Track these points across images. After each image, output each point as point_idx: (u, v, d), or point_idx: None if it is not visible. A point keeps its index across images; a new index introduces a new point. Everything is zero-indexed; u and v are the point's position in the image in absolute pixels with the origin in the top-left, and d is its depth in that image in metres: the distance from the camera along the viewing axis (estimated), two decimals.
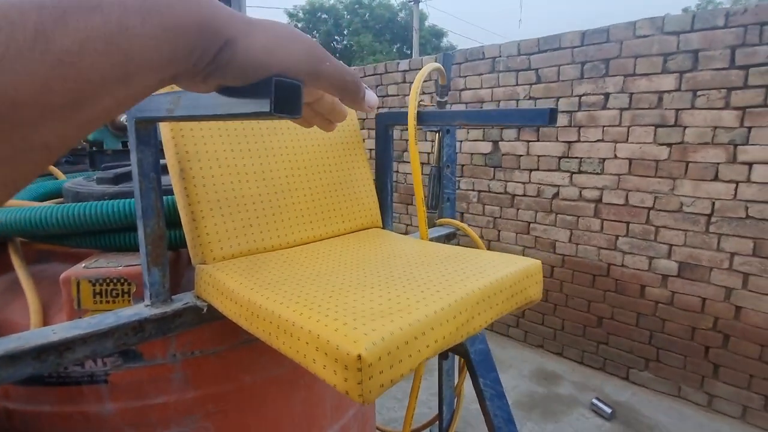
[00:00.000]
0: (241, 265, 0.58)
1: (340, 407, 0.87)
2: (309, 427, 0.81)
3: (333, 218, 0.74)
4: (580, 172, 2.41)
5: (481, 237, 2.91)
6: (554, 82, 2.43)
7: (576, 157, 2.41)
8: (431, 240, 0.94)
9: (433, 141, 3.00)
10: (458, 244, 1.09)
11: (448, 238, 1.06)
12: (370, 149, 3.56)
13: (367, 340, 0.37)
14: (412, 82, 2.83)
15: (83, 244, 0.70)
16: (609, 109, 2.25)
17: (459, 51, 2.88)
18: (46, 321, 0.65)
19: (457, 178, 2.96)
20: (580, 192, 2.42)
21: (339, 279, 0.53)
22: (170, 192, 0.63)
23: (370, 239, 0.72)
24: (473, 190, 2.90)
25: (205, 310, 0.59)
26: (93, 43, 0.18)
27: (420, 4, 11.96)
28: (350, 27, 17.42)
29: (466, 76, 2.80)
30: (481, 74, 2.72)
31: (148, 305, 0.58)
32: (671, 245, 2.15)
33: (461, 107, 2.86)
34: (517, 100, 2.59)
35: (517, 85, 2.58)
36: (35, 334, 0.51)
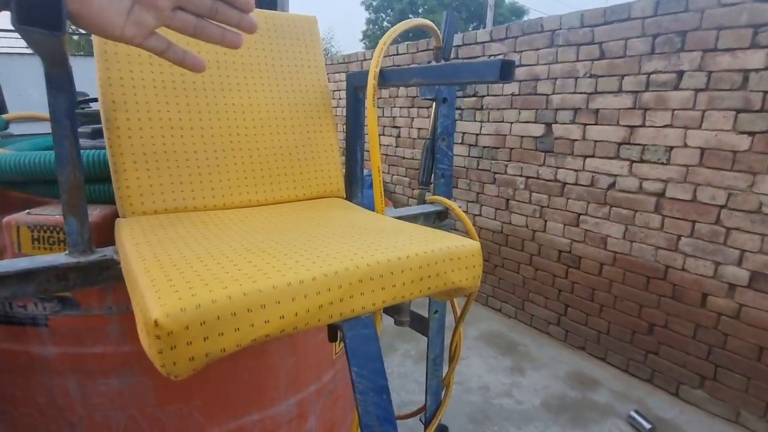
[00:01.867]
0: (152, 221, 0.56)
1: (296, 380, 0.84)
2: (258, 397, 0.79)
3: (282, 183, 0.69)
4: (642, 161, 2.14)
5: (526, 226, 2.72)
6: (620, 57, 2.15)
7: (638, 144, 2.14)
8: (410, 217, 0.86)
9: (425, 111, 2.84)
10: (453, 228, 1.00)
11: (439, 218, 0.97)
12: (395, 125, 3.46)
13: (175, 306, 0.32)
14: (467, 58, 2.66)
15: (43, 193, 0.72)
16: (682, 89, 1.96)
17: (516, 23, 2.65)
18: None
19: (505, 163, 2.78)
20: (641, 184, 2.15)
21: (234, 242, 0.48)
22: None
23: (317, 208, 0.67)
24: (521, 175, 2.70)
25: (120, 264, 0.58)
26: None
27: None
28: (426, 5, 17.00)
29: (521, 51, 2.59)
30: (538, 49, 2.49)
31: (66, 254, 0.58)
32: (743, 251, 1.85)
33: (514, 86, 2.66)
34: (576, 78, 2.34)
35: (577, 60, 2.33)
36: None
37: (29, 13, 0.27)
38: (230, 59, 0.69)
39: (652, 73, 2.04)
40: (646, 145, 2.11)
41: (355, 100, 0.75)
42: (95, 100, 2.62)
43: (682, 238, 2.04)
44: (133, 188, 0.58)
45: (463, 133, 3.04)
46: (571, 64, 2.35)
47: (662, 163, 2.06)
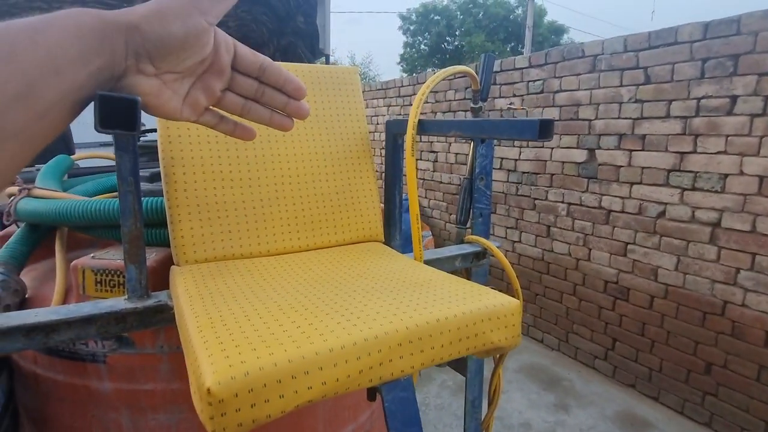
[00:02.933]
0: (203, 270, 0.59)
1: (335, 420, 0.85)
2: None
3: (323, 228, 0.72)
4: (694, 189, 2.04)
5: (568, 254, 2.63)
6: (667, 82, 2.08)
7: (690, 171, 2.04)
8: (448, 258, 0.86)
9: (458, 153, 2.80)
10: (489, 271, 0.98)
11: (477, 258, 0.97)
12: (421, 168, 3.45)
13: (226, 374, 0.34)
14: (505, 84, 2.65)
15: (106, 236, 0.78)
16: (736, 114, 1.86)
17: (555, 49, 2.63)
18: (65, 301, 0.73)
19: (545, 189, 2.72)
20: (693, 213, 2.05)
21: (279, 297, 0.50)
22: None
23: (357, 254, 0.69)
24: (562, 202, 2.64)
25: (173, 309, 0.61)
26: (21, 46, 0.23)
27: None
28: (462, 27, 17.16)
29: (561, 77, 2.55)
30: (579, 74, 2.45)
31: (125, 299, 0.62)
32: None
33: (555, 111, 2.62)
34: (621, 103, 2.28)
35: (620, 86, 2.27)
36: (20, 316, 0.57)
37: (110, 119, 0.30)
38: None
39: (703, 98, 1.96)
40: (698, 172, 2.01)
41: (393, 146, 0.77)
42: (153, 130, 2.80)
43: (741, 271, 1.90)
44: (187, 238, 0.62)
45: (502, 158, 3.01)
46: (615, 89, 2.30)
47: (716, 192, 1.95)
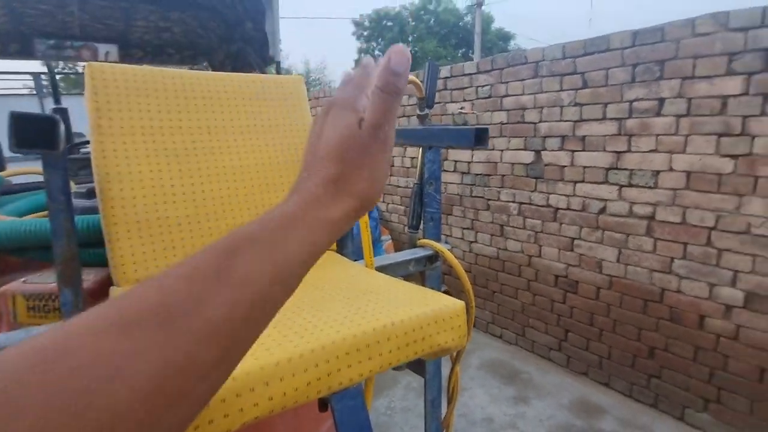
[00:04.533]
0: None
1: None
2: None
3: None
4: (630, 185, 2.17)
5: (522, 252, 2.74)
6: (602, 86, 2.22)
7: (626, 169, 2.18)
8: (401, 263, 0.88)
9: (413, 158, 2.87)
10: (445, 274, 1.01)
11: (429, 261, 0.99)
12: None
13: None
14: (456, 89, 2.72)
15: (38, 257, 0.73)
16: (664, 115, 2.01)
17: (500, 55, 2.74)
18: None
19: (498, 189, 2.82)
20: (631, 207, 2.19)
21: None
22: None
23: None
24: (514, 201, 2.74)
25: None
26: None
27: (485, 6, 11.66)
28: (415, 33, 17.47)
29: (507, 82, 2.66)
30: (524, 80, 2.56)
31: None
32: (736, 271, 1.86)
33: (503, 114, 2.72)
34: (562, 107, 2.40)
35: (561, 90, 2.40)
36: None
37: (26, 138, 0.29)
38: (220, 123, 0.72)
39: (635, 100, 2.10)
40: (633, 169, 2.15)
41: None
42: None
43: (675, 260, 2.05)
44: (126, 257, 0.60)
45: (456, 161, 3.08)
46: (556, 93, 2.42)
47: (650, 187, 2.10)
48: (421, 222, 1.02)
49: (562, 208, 2.48)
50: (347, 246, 0.84)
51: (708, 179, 1.90)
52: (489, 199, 2.89)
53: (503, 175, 2.78)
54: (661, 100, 2.01)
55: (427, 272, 1.01)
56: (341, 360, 0.41)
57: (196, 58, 3.09)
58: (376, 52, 19.18)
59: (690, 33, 1.88)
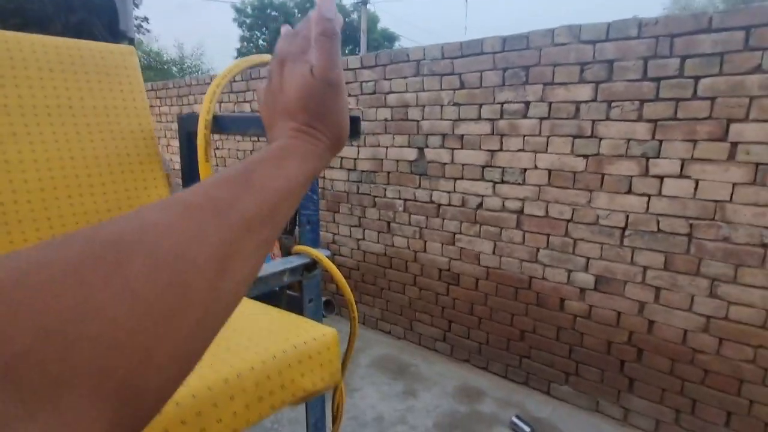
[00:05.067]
0: None
1: None
2: None
3: None
4: (503, 182, 2.33)
5: (408, 248, 2.78)
6: (477, 88, 2.34)
7: (499, 167, 2.33)
8: (275, 275, 0.76)
9: None
10: (325, 281, 0.92)
11: (307, 269, 0.89)
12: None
13: None
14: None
15: None
16: (529, 118, 2.18)
17: (384, 51, 2.74)
18: None
19: (384, 186, 2.82)
20: (503, 203, 2.34)
21: None
22: None
23: None
24: (399, 198, 2.77)
25: None
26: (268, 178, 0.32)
27: (371, 6, 11.81)
28: None
29: (391, 79, 2.67)
30: (406, 77, 2.59)
31: None
32: (588, 258, 2.11)
33: (387, 111, 2.72)
34: (442, 106, 2.48)
35: (441, 89, 2.47)
36: None
37: None
38: (14, 102, 0.53)
39: (505, 102, 2.25)
40: (505, 167, 2.31)
41: (188, 147, 0.64)
42: None
43: (540, 250, 2.25)
44: None
45: (342, 157, 3.02)
46: (437, 92, 2.49)
47: (519, 184, 2.27)
48: (296, 226, 0.92)
49: (444, 204, 2.57)
50: None
51: (565, 176, 2.11)
52: (376, 196, 2.89)
53: (389, 172, 2.79)
54: (527, 103, 2.18)
55: (304, 282, 0.91)
56: (175, 428, 0.30)
57: (26, 29, 2.53)
58: (260, 42, 18.28)
59: (550, 42, 2.06)
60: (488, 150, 2.35)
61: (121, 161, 0.60)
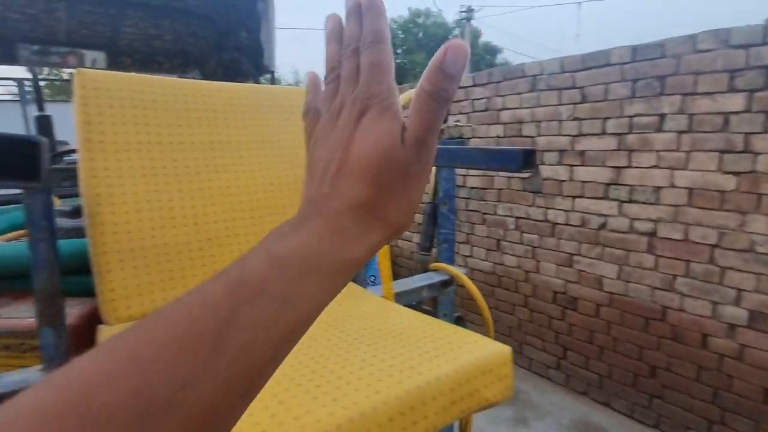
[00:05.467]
0: None
1: None
2: None
3: None
4: (631, 201, 2.15)
5: (518, 267, 2.69)
6: (601, 101, 2.21)
7: (626, 185, 2.16)
8: (414, 290, 0.81)
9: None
10: (458, 297, 0.94)
11: (443, 286, 0.92)
12: None
13: None
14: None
15: (16, 287, 0.65)
16: (665, 131, 2.00)
17: (497, 69, 2.72)
18: None
19: (494, 203, 2.78)
20: (631, 223, 2.16)
21: None
22: None
23: None
24: (511, 216, 2.70)
25: None
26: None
27: (474, 21, 11.81)
28: (404, 46, 17.62)
29: (504, 96, 2.64)
30: (521, 93, 2.54)
31: (41, 369, 0.51)
32: (740, 290, 1.84)
33: (500, 128, 2.69)
34: (560, 121, 2.38)
35: (560, 104, 2.38)
36: None
37: (5, 171, 0.22)
38: (223, 139, 0.65)
39: (635, 116, 2.09)
40: (633, 185, 2.13)
41: None
42: (75, 150, 2.53)
43: (678, 277, 2.02)
44: (118, 290, 0.52)
45: None
46: (554, 107, 2.40)
47: (651, 203, 2.08)
48: (432, 245, 0.96)
49: (560, 223, 2.45)
50: (360, 272, 0.78)
51: (710, 196, 1.88)
52: (485, 213, 2.85)
53: (500, 189, 2.74)
54: (662, 116, 2.00)
55: (439, 298, 0.94)
56: (384, 429, 0.35)
57: (187, 67, 3.01)
58: None
59: (691, 49, 1.87)
60: (614, 167, 2.19)
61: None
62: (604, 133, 2.21)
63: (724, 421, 1.93)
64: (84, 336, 0.56)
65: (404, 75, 17.22)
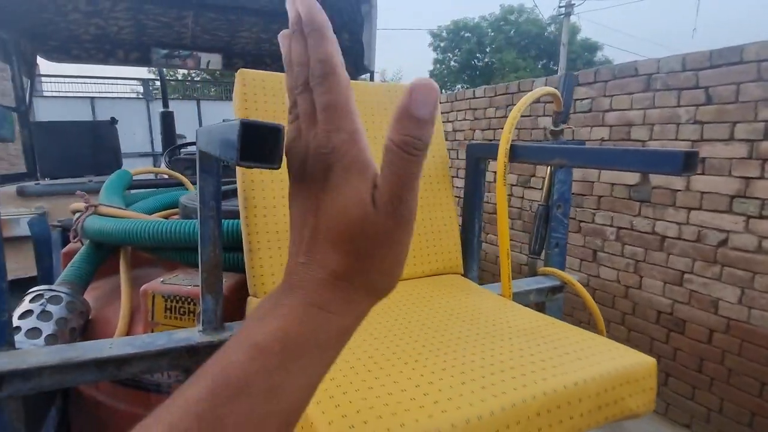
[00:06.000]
0: None
1: None
2: None
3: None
4: (761, 216, 1.90)
5: (617, 281, 2.50)
6: (731, 103, 1.97)
7: (757, 198, 1.91)
8: (522, 293, 0.79)
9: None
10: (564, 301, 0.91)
11: (552, 292, 0.89)
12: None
13: None
14: (549, 102, 2.59)
15: (173, 258, 0.75)
16: None
17: (605, 67, 2.55)
18: (131, 326, 0.70)
19: (593, 211, 2.61)
20: (760, 242, 1.90)
21: (380, 344, 0.45)
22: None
23: (440, 288, 0.63)
24: (611, 225, 2.51)
25: None
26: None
27: (572, 16, 11.14)
28: (493, 44, 17.13)
29: (612, 96, 2.46)
30: (632, 93, 2.36)
31: (200, 331, 0.58)
32: None
33: (604, 130, 2.52)
34: (678, 124, 2.17)
35: (678, 106, 2.16)
36: (94, 347, 0.54)
37: (251, 152, 0.26)
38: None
39: None
40: (765, 199, 1.88)
41: (475, 171, 0.72)
42: (193, 143, 2.81)
43: None
44: (266, 267, 0.58)
45: (544, 178, 2.91)
46: (672, 109, 2.19)
47: None
48: (543, 247, 0.93)
49: (671, 237, 2.23)
50: (472, 269, 0.78)
51: None
52: (581, 221, 2.69)
53: (600, 196, 2.57)
54: None
55: (547, 303, 0.91)
56: (532, 422, 0.35)
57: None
58: (452, 63, 19.04)
59: None
60: (742, 177, 1.95)
61: (423, 181, 0.72)
62: (732, 138, 1.97)
63: None
64: (231, 305, 0.64)
65: (491, 74, 16.75)
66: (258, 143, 0.26)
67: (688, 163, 0.41)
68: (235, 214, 0.65)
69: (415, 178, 0.23)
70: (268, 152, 0.26)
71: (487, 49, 17.78)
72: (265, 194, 0.60)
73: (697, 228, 2.12)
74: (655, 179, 2.28)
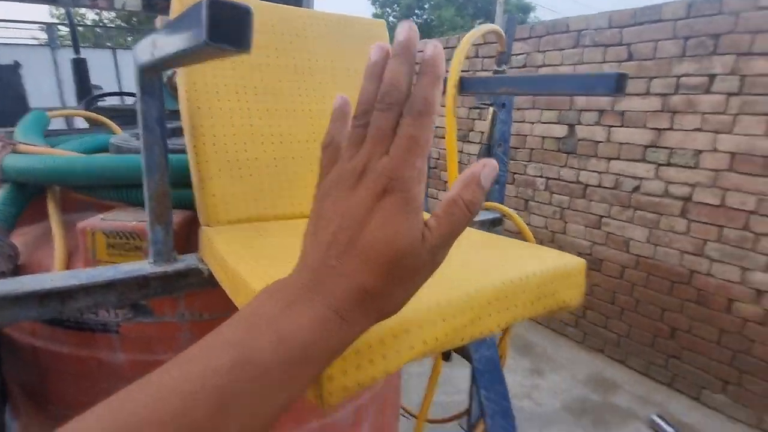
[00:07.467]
0: (242, 231, 0.55)
1: None
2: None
3: None
4: (669, 164, 2.12)
5: (545, 227, 2.71)
6: (649, 59, 2.13)
7: (666, 148, 2.12)
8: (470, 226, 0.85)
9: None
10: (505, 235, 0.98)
11: (492, 224, 0.96)
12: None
13: None
14: (486, 57, 2.63)
15: (111, 197, 0.70)
16: (713, 93, 1.94)
17: (540, 23, 2.63)
18: (69, 268, 0.66)
19: (524, 163, 2.76)
20: (666, 187, 2.14)
21: None
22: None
23: None
24: (541, 176, 2.69)
25: (206, 273, 0.57)
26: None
27: None
28: (432, 1, 16.90)
29: (545, 51, 2.56)
30: (563, 49, 2.47)
31: (151, 263, 0.57)
32: None
33: None
34: None
35: (603, 62, 2.31)
36: (34, 280, 0.51)
37: (222, 33, 0.26)
38: (306, 64, 0.68)
39: (683, 75, 2.02)
40: (673, 148, 2.10)
41: None
42: (112, 93, 2.56)
43: (708, 242, 2.02)
44: (218, 196, 0.57)
45: (482, 132, 3.01)
46: (598, 65, 2.33)
47: (690, 167, 2.05)
48: None
49: (592, 185, 2.44)
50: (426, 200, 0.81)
51: (754, 161, 1.84)
52: (515, 173, 2.85)
53: (532, 149, 2.72)
54: (712, 77, 1.93)
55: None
56: (483, 309, 0.39)
57: None
58: (391, 19, 18.57)
59: (752, 5, 1.78)
60: (654, 128, 2.15)
61: None
62: (648, 93, 2.16)
63: (740, 382, 1.98)
64: (180, 239, 0.62)
65: (430, 31, 16.61)
66: (226, 24, 0.25)
67: (619, 84, 0.46)
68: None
69: (462, 231, 0.26)
70: (240, 35, 0.26)
71: (426, 6, 17.52)
72: (213, 122, 0.57)
73: (615, 176, 2.33)
74: (581, 131, 2.45)
